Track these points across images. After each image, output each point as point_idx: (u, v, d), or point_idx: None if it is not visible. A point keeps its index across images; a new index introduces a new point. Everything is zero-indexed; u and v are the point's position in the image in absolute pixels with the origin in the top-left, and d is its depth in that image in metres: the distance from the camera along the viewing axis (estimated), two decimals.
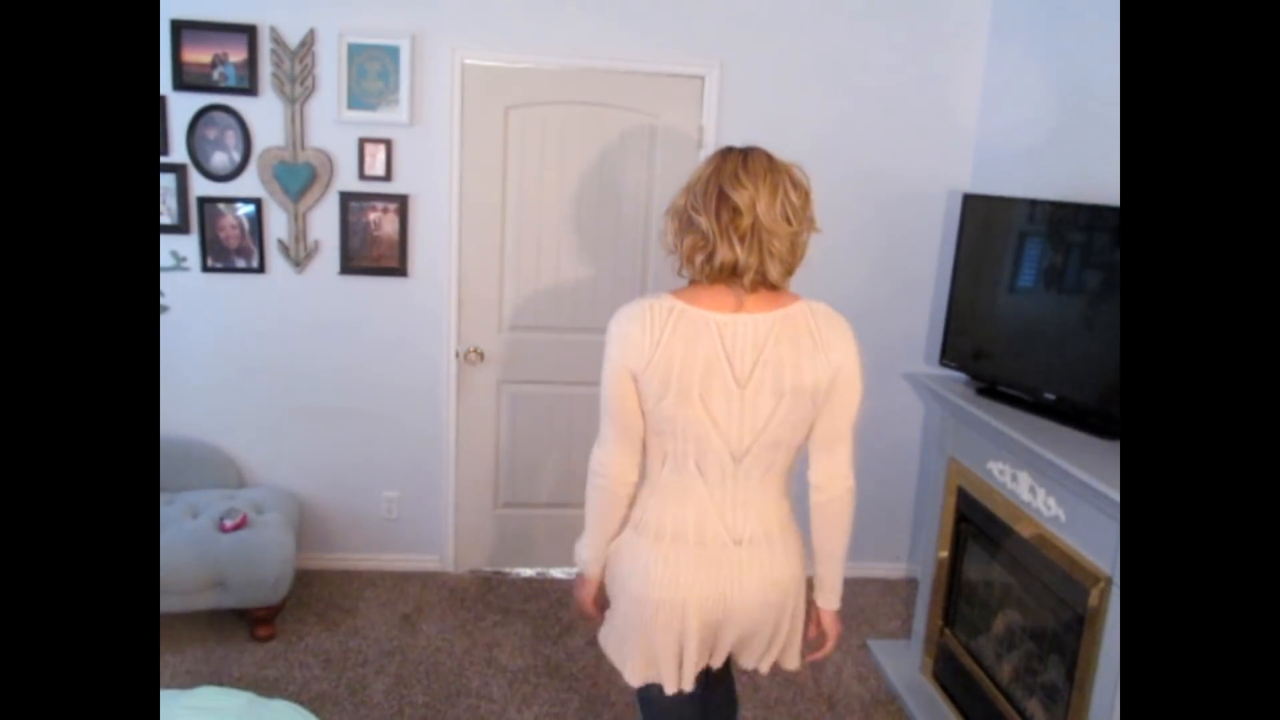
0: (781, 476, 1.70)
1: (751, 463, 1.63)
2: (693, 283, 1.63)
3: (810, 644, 1.85)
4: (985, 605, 2.67)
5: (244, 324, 3.23)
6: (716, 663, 1.78)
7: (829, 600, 1.80)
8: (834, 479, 1.71)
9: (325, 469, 3.41)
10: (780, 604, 1.70)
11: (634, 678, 1.73)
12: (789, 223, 1.56)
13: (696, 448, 1.60)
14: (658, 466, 1.66)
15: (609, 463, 1.67)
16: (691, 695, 1.77)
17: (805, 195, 1.62)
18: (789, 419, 1.61)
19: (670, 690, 1.71)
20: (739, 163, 1.57)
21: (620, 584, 1.71)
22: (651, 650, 1.69)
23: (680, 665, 1.70)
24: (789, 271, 1.61)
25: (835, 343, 1.62)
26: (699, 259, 1.57)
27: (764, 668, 1.80)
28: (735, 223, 1.54)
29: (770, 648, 1.76)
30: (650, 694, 1.78)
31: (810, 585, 1.83)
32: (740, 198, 1.54)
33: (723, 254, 1.54)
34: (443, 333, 3.32)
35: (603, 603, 1.80)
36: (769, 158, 1.61)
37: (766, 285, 1.59)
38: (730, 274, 1.56)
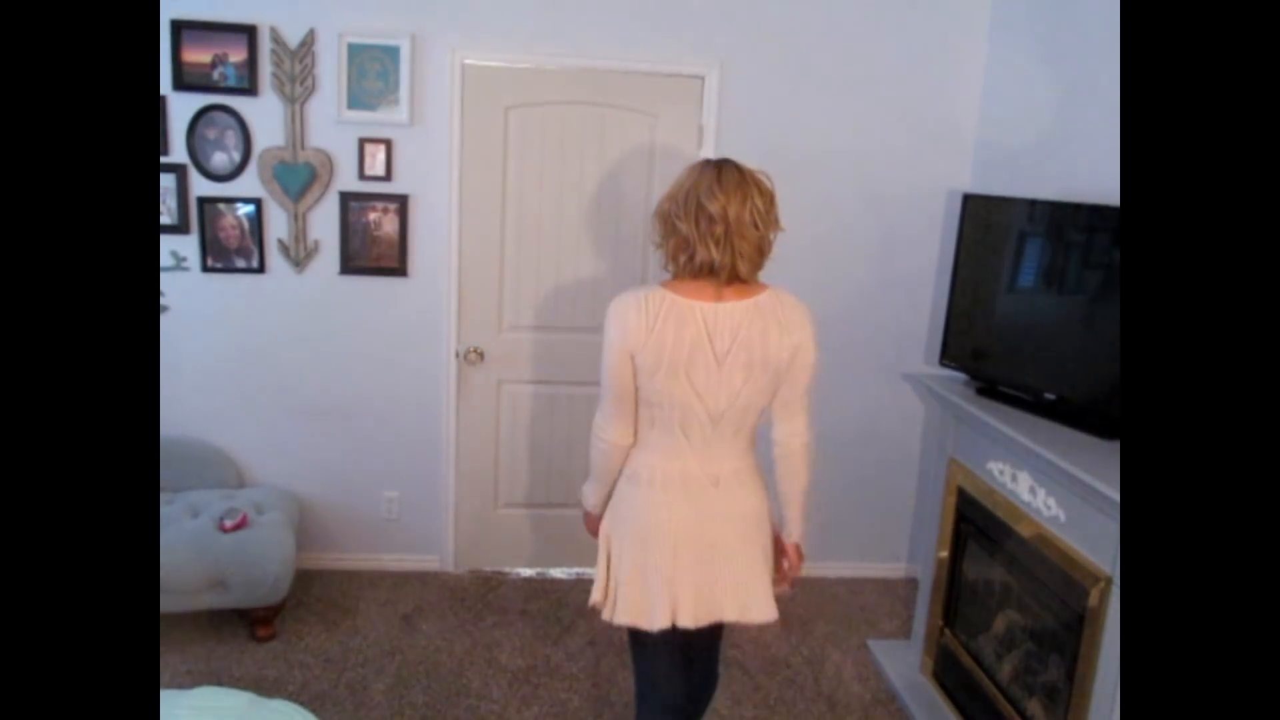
0: (750, 434, 1.99)
1: (726, 424, 1.91)
2: (677, 276, 1.90)
3: (781, 576, 2.12)
4: (985, 605, 2.67)
5: (244, 324, 3.23)
6: (733, 613, 1.96)
7: (791, 535, 2.09)
8: (792, 436, 1.98)
9: (325, 469, 3.41)
10: (755, 528, 2.00)
11: (624, 615, 1.94)
12: (756, 227, 1.83)
13: (682, 414, 1.89)
14: (648, 429, 1.95)
15: (609, 429, 1.95)
16: (675, 642, 1.99)
17: (770, 199, 1.88)
18: (756, 388, 1.89)
19: (658, 626, 1.91)
20: (714, 176, 1.84)
21: (621, 530, 1.98)
22: (646, 583, 1.93)
23: (673, 601, 1.91)
24: (756, 268, 1.88)
25: (796, 325, 1.89)
26: (682, 258, 1.86)
27: (750, 615, 1.97)
28: (711, 229, 1.81)
29: (753, 590, 1.97)
30: (641, 638, 2.00)
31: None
32: (714, 207, 1.80)
33: (701, 255, 1.82)
34: (443, 333, 3.32)
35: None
36: (739, 169, 1.87)
37: (737, 279, 1.85)
38: (708, 271, 1.83)
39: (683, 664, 2.06)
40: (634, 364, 1.85)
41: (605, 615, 1.98)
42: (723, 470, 1.94)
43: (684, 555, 1.92)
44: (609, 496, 2.05)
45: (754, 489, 1.99)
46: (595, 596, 2.02)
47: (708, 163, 1.89)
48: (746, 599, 1.96)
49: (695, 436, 1.91)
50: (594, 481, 2.05)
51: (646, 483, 1.94)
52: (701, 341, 1.83)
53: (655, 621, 1.90)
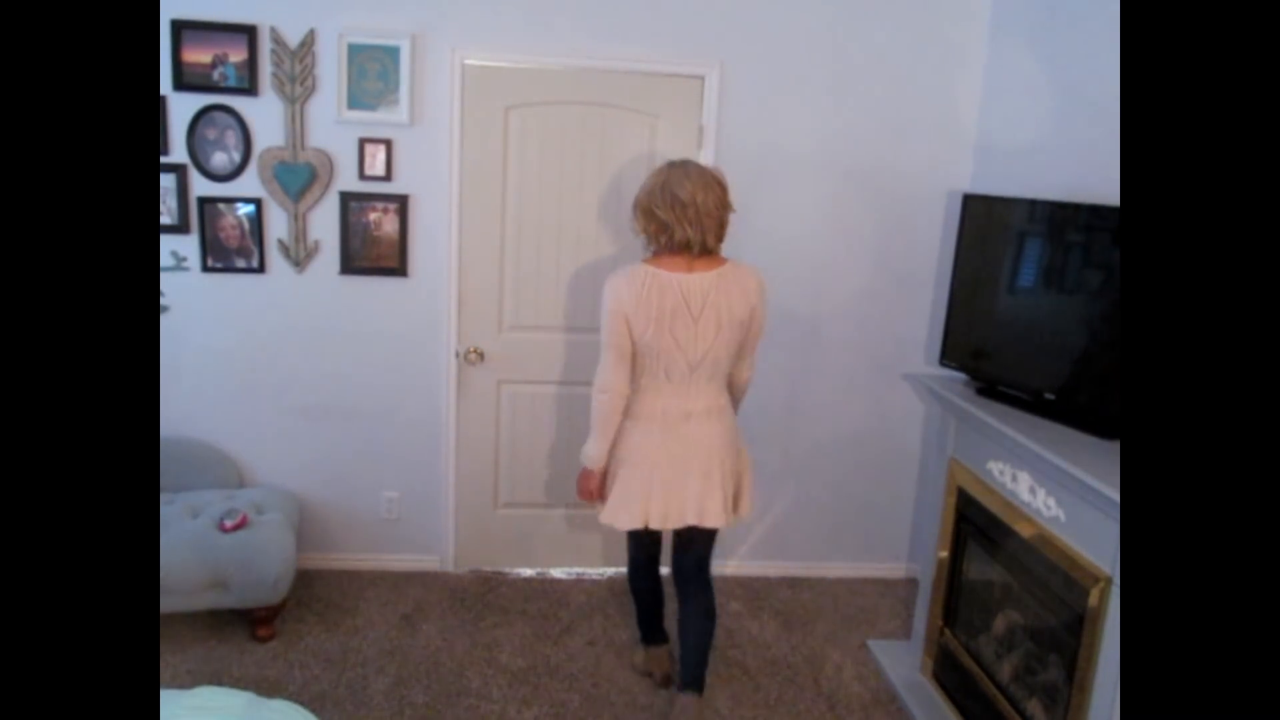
0: (721, 380, 2.49)
1: (701, 371, 2.41)
2: (656, 254, 2.39)
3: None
4: (985, 605, 2.67)
5: (244, 324, 3.23)
6: (693, 518, 2.45)
7: None
8: (740, 374, 2.56)
9: (325, 469, 3.41)
10: (720, 454, 2.46)
11: (632, 523, 2.45)
12: (717, 209, 2.35)
13: (666, 363, 2.38)
14: (638, 376, 2.44)
15: (612, 380, 2.40)
16: (655, 539, 2.68)
17: (724, 188, 2.39)
18: (725, 341, 2.39)
19: (655, 526, 2.47)
20: (681, 171, 2.35)
21: (621, 458, 2.46)
22: (647, 496, 2.44)
23: (646, 511, 2.44)
24: (720, 240, 2.39)
25: (752, 290, 2.41)
26: (663, 238, 2.36)
27: (705, 520, 2.46)
28: (684, 212, 2.31)
29: (710, 502, 2.45)
30: (636, 534, 2.60)
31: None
32: (684, 194, 2.32)
33: (679, 233, 2.32)
34: (443, 333, 3.32)
35: (604, 490, 2.54)
36: (698, 165, 2.40)
37: (706, 252, 2.35)
38: (684, 246, 2.33)
39: (654, 555, 2.73)
40: (629, 324, 2.34)
41: (602, 520, 2.50)
42: (695, 408, 2.43)
43: (659, 474, 2.43)
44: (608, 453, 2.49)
45: (721, 423, 2.47)
46: (605, 516, 2.50)
47: (673, 162, 2.41)
48: (703, 508, 2.45)
49: (676, 380, 2.41)
50: (597, 437, 2.46)
51: (633, 417, 2.44)
52: (680, 304, 2.33)
53: (629, 524, 2.45)
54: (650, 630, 2.88)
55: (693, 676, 2.61)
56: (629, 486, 2.44)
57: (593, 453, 2.47)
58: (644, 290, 2.32)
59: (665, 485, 2.43)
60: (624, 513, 2.46)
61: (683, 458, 2.43)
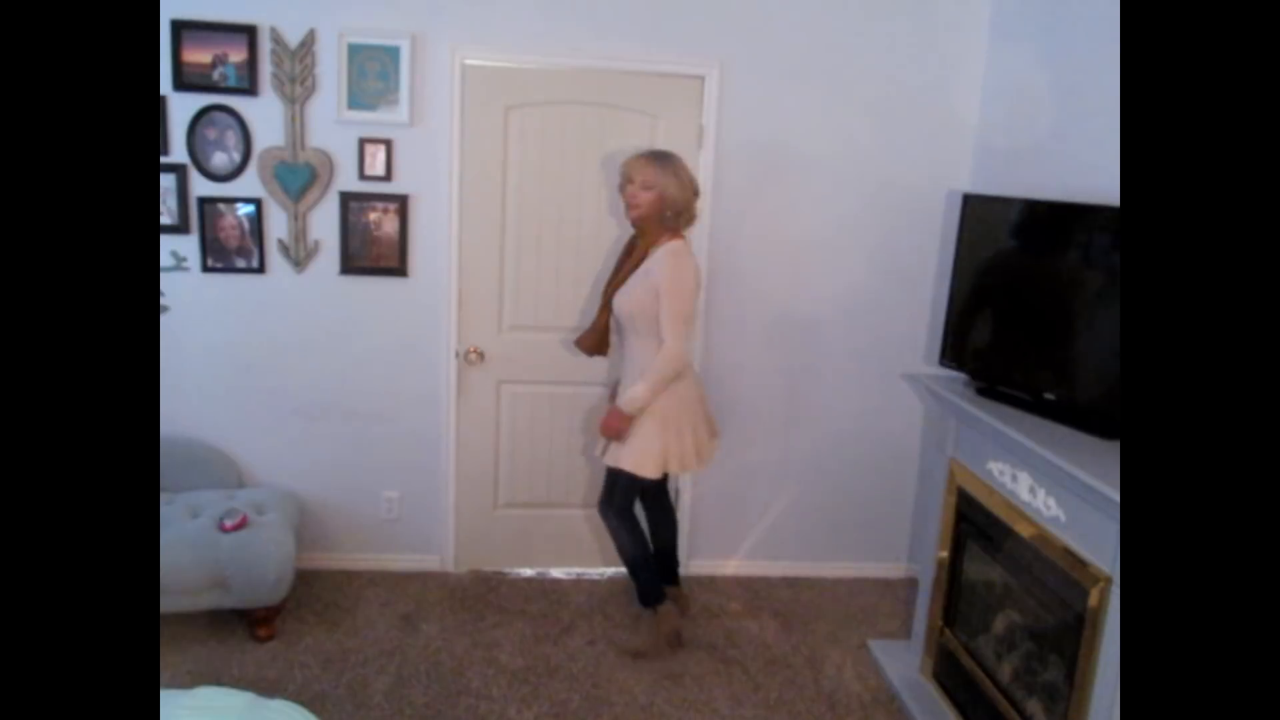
0: None
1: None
2: (670, 233, 2.79)
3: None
4: (985, 605, 2.67)
5: (244, 324, 3.23)
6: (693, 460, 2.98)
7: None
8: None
9: (325, 469, 3.41)
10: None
11: (676, 467, 2.87)
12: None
13: (691, 325, 2.84)
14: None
15: (686, 353, 2.77)
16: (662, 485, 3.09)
17: None
18: None
19: (689, 470, 2.96)
20: (680, 160, 2.81)
21: (672, 413, 2.81)
22: (684, 446, 2.84)
23: (683, 454, 2.86)
24: None
25: None
26: (684, 219, 2.81)
27: (703, 458, 3.01)
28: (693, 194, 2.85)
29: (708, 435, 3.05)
30: (647, 485, 2.96)
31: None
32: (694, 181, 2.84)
33: (696, 213, 2.86)
34: (443, 333, 3.32)
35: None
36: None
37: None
38: (689, 223, 2.86)
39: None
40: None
41: (653, 474, 2.81)
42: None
43: (696, 420, 2.88)
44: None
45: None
46: (647, 469, 2.80)
47: (667, 155, 2.79)
48: (700, 452, 2.93)
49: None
50: (653, 391, 2.74)
51: (682, 377, 2.80)
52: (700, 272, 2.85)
53: (678, 469, 2.89)
54: (658, 580, 3.09)
55: (675, 570, 3.28)
56: (682, 438, 2.82)
57: (643, 404, 2.76)
58: (697, 263, 2.83)
59: (697, 429, 2.89)
60: (675, 462, 2.83)
61: (699, 403, 2.93)
